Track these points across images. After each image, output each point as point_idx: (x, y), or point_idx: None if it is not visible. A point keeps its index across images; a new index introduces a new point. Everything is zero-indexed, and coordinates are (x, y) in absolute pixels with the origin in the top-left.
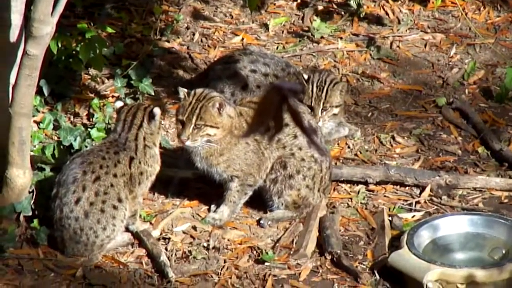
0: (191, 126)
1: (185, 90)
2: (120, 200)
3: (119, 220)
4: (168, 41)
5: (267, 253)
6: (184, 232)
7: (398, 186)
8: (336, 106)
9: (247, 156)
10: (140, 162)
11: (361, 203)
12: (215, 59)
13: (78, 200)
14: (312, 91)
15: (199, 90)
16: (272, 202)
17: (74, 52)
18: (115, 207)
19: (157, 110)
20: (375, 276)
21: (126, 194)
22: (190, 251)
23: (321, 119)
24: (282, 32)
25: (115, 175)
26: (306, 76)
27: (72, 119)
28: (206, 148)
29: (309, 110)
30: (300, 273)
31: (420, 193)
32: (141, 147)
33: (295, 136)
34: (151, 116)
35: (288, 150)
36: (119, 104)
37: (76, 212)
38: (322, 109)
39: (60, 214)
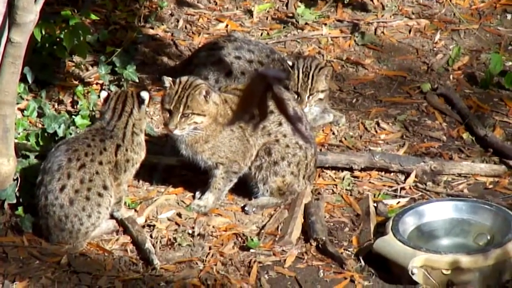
0: (179, 115)
1: (170, 78)
2: (105, 188)
3: (104, 207)
4: (152, 28)
5: (252, 240)
6: (169, 219)
7: (383, 172)
8: (322, 91)
9: (232, 143)
10: (127, 150)
11: (346, 189)
12: (200, 45)
13: (63, 187)
14: (298, 77)
15: (184, 78)
16: (257, 189)
17: (58, 39)
18: (100, 195)
19: (145, 94)
20: (360, 262)
21: (111, 181)
22: (175, 238)
23: (307, 104)
24: (267, 18)
25: (100, 163)
26: (290, 63)
27: (56, 106)
28: (192, 136)
29: (294, 97)
30: (285, 260)
31: (405, 179)
32: (129, 134)
33: (280, 124)
34: (140, 101)
35: (273, 137)
36: (104, 94)
37: (61, 199)
38: (308, 94)
39: (45, 201)
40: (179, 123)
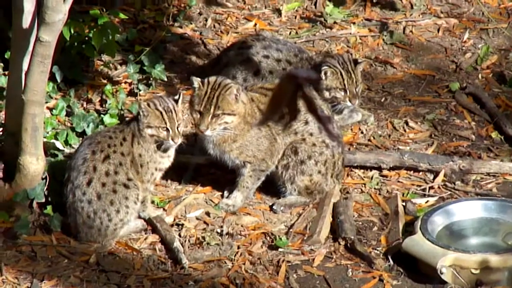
0: (210, 116)
1: (199, 79)
2: (129, 179)
3: (132, 201)
4: (181, 27)
5: (280, 239)
6: (197, 218)
7: (412, 172)
8: (361, 83)
9: (260, 142)
10: (138, 143)
11: (374, 188)
12: (228, 44)
13: (90, 181)
14: (342, 76)
15: (212, 79)
16: (285, 188)
17: (86, 38)
18: (126, 186)
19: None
20: (389, 261)
21: (133, 174)
22: (203, 237)
23: (358, 99)
24: (295, 17)
25: (122, 154)
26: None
27: (85, 105)
28: (221, 135)
29: (321, 98)
30: (314, 259)
31: (434, 178)
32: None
33: (307, 122)
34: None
35: (299, 136)
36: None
37: (89, 194)
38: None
39: (73, 198)
40: (210, 124)
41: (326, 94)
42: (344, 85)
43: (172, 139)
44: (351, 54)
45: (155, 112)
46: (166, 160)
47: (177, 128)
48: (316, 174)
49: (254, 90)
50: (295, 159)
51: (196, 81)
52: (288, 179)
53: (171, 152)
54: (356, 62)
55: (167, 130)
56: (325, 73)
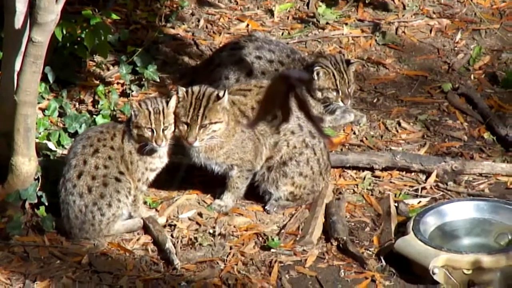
0: (197, 127)
1: (184, 89)
2: (121, 173)
3: (123, 195)
4: (173, 28)
5: (273, 239)
6: (190, 219)
7: (404, 172)
8: (353, 83)
9: (244, 144)
10: (128, 140)
11: (367, 189)
12: (220, 45)
13: (80, 174)
14: (334, 76)
15: (196, 88)
16: (270, 196)
17: (79, 38)
18: (117, 179)
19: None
20: (381, 262)
21: (124, 170)
22: (196, 238)
23: (350, 99)
24: (287, 18)
25: (112, 148)
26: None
27: (77, 106)
28: (207, 144)
29: (314, 98)
30: (306, 260)
31: (426, 179)
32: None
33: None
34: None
35: (282, 135)
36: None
37: (79, 187)
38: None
39: (65, 192)
40: (198, 135)
41: (319, 94)
42: (337, 85)
43: (156, 141)
44: (344, 54)
45: (145, 112)
46: (158, 161)
47: (163, 130)
48: (298, 176)
49: (233, 93)
50: (279, 161)
51: (182, 91)
52: (272, 183)
53: (162, 153)
54: (348, 63)
55: (152, 131)
56: (318, 74)
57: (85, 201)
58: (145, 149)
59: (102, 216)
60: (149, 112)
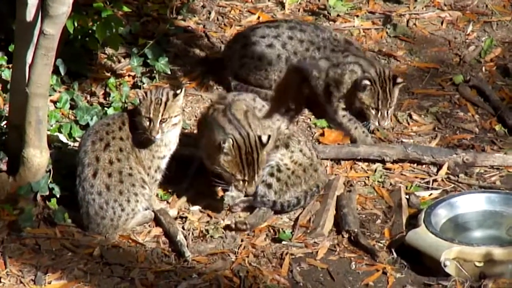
0: (158, 121)
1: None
2: (131, 168)
3: (138, 186)
4: (184, 20)
5: (284, 232)
6: (201, 211)
7: (415, 164)
8: (394, 104)
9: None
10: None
11: (378, 181)
12: (231, 37)
13: (96, 173)
14: (378, 95)
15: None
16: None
17: (90, 31)
18: (130, 174)
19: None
20: (392, 254)
21: (135, 159)
22: (207, 230)
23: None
24: (298, 10)
25: (121, 138)
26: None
27: (88, 98)
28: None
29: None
30: (317, 252)
31: (437, 171)
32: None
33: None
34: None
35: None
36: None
37: (97, 186)
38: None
39: (83, 191)
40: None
41: (357, 103)
42: (378, 105)
43: (151, 132)
44: (390, 68)
45: (147, 100)
46: (164, 149)
47: (161, 122)
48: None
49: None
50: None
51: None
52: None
53: (168, 141)
54: (395, 82)
55: (150, 121)
56: (364, 87)
57: (105, 198)
58: (142, 137)
59: (122, 211)
60: (150, 102)
